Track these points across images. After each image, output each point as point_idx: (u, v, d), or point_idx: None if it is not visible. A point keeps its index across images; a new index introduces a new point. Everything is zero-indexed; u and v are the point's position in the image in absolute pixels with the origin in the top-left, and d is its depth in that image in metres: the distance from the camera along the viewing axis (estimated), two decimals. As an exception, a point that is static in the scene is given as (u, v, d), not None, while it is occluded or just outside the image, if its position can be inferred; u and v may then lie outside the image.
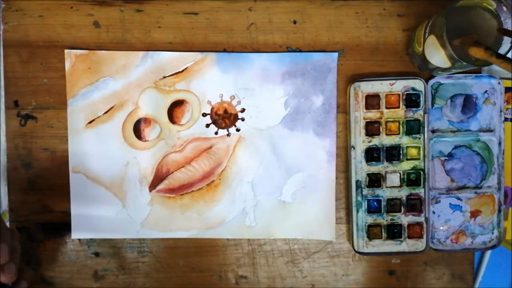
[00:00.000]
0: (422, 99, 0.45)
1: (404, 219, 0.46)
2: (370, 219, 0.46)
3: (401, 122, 0.46)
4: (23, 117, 0.47)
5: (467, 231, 0.47)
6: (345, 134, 0.47)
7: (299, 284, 0.48)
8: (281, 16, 0.47)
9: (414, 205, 0.46)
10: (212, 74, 0.47)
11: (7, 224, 0.48)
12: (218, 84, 0.47)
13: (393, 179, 0.46)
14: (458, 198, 0.47)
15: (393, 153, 0.46)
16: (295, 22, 0.47)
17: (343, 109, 0.47)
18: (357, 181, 0.46)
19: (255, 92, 0.47)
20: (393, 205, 0.46)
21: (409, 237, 0.46)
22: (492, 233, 0.47)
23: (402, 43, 0.47)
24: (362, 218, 0.46)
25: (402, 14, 0.47)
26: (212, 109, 0.47)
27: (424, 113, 0.46)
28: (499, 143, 0.46)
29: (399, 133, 0.46)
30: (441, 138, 0.46)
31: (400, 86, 0.46)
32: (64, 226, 0.48)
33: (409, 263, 0.48)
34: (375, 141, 0.46)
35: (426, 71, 0.46)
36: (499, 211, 0.46)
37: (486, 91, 0.46)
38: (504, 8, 0.38)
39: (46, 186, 0.48)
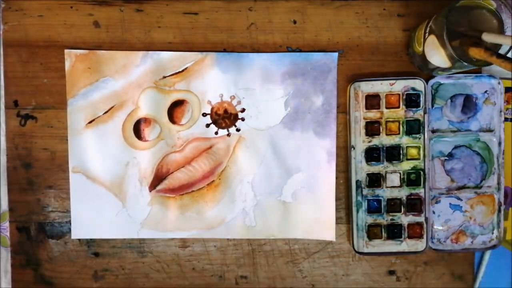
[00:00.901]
0: (422, 99, 0.45)
1: (404, 219, 0.46)
2: (370, 219, 0.46)
3: (401, 122, 0.46)
4: (23, 117, 0.47)
5: (467, 231, 0.47)
6: (345, 134, 0.47)
7: (299, 284, 0.48)
8: (281, 16, 0.47)
9: (414, 205, 0.46)
10: (212, 74, 0.46)
11: (7, 224, 0.48)
12: (218, 84, 0.47)
13: (393, 179, 0.46)
14: (458, 198, 0.47)
15: (393, 153, 0.46)
16: (295, 22, 0.47)
17: (343, 109, 0.47)
18: (357, 181, 0.46)
19: (255, 92, 0.47)
20: (393, 205, 0.46)
21: (409, 237, 0.46)
22: (492, 233, 0.47)
23: (402, 43, 0.47)
24: (362, 218, 0.46)
25: (402, 14, 0.47)
26: (212, 109, 0.47)
27: (424, 113, 0.46)
28: (499, 143, 0.46)
29: (399, 133, 0.46)
30: (441, 138, 0.46)
31: (400, 86, 0.46)
32: (64, 226, 0.48)
33: (409, 263, 0.48)
34: (375, 141, 0.46)
35: (426, 71, 0.46)
36: (499, 211, 0.47)
37: (486, 91, 0.46)
38: (504, 8, 0.38)
39: (46, 186, 0.48)
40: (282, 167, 0.47)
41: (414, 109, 0.46)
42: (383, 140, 0.46)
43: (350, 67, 0.47)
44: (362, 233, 0.46)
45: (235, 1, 0.47)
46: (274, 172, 0.47)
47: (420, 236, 0.46)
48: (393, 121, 0.46)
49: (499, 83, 0.46)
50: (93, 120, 0.47)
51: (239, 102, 0.47)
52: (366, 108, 0.46)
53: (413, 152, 0.46)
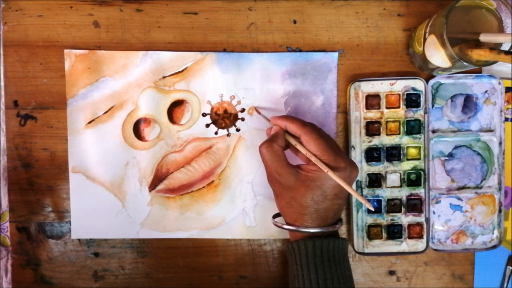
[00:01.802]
0: (422, 99, 0.45)
1: (404, 219, 0.46)
2: (370, 219, 0.46)
3: (401, 122, 0.46)
4: (23, 117, 0.47)
5: (468, 231, 0.47)
6: (345, 134, 0.47)
7: (299, 284, 0.48)
8: (281, 16, 0.47)
9: (415, 205, 0.46)
10: (212, 74, 0.46)
11: (7, 224, 0.48)
12: (218, 84, 0.47)
13: (393, 179, 0.46)
14: (459, 198, 0.47)
15: (393, 153, 0.46)
16: (295, 22, 0.47)
17: (343, 109, 0.47)
18: (357, 181, 0.46)
19: (255, 92, 0.47)
20: (393, 205, 0.46)
21: (409, 237, 0.46)
22: (493, 233, 0.47)
23: (402, 43, 0.47)
24: (362, 218, 0.46)
25: (402, 14, 0.47)
26: (212, 109, 0.47)
27: (425, 113, 0.46)
28: (500, 143, 0.46)
29: (399, 133, 0.46)
30: (442, 138, 0.46)
31: (400, 86, 0.45)
32: (63, 226, 0.48)
33: (409, 263, 0.48)
34: (375, 141, 0.46)
35: (426, 71, 0.46)
36: (500, 211, 0.46)
37: (486, 91, 0.46)
38: (504, 8, 0.38)
39: (45, 186, 0.47)
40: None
41: (414, 109, 0.46)
42: (383, 140, 0.46)
43: (350, 67, 0.47)
44: (362, 233, 0.46)
45: (235, 1, 0.46)
46: (274, 172, 0.47)
47: (420, 236, 0.46)
48: (393, 121, 0.46)
49: (499, 83, 0.46)
50: (93, 120, 0.47)
51: (239, 102, 0.47)
52: (366, 108, 0.46)
53: (413, 152, 0.46)
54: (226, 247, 0.48)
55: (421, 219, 0.46)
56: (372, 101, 0.46)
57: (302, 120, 0.40)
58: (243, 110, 0.47)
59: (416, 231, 0.46)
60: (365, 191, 0.46)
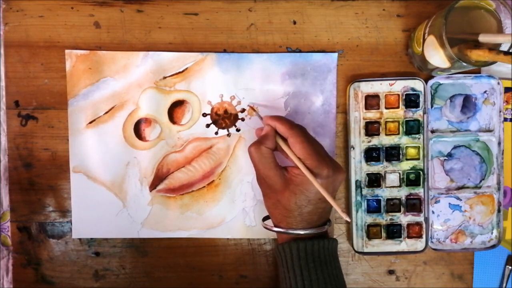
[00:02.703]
0: (421, 99, 0.46)
1: (404, 219, 0.46)
2: (369, 219, 0.47)
3: (400, 122, 0.46)
4: (24, 117, 0.47)
5: (467, 231, 0.47)
6: (345, 134, 0.48)
7: (299, 283, 0.48)
8: (281, 17, 0.47)
9: (414, 205, 0.46)
10: (212, 74, 0.47)
11: (8, 223, 0.48)
12: (218, 84, 0.47)
13: (393, 179, 0.46)
14: (458, 198, 0.47)
15: (393, 153, 0.46)
16: (295, 23, 0.47)
17: (343, 109, 0.47)
18: (356, 181, 0.46)
19: (255, 92, 0.47)
20: (393, 205, 0.46)
21: (409, 237, 0.46)
22: (492, 233, 0.47)
23: (401, 44, 0.47)
24: (361, 217, 0.47)
25: (402, 14, 0.47)
26: (212, 109, 0.47)
27: (424, 113, 0.46)
28: (499, 143, 0.46)
29: (398, 133, 0.46)
30: (441, 138, 0.46)
31: (399, 86, 0.46)
32: (64, 226, 0.48)
33: (408, 262, 0.48)
34: (375, 141, 0.46)
35: (425, 71, 0.46)
36: (499, 211, 0.47)
37: (485, 91, 0.46)
38: (503, 8, 0.38)
39: (46, 186, 0.48)
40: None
41: (413, 109, 0.46)
42: (383, 140, 0.46)
43: (350, 67, 0.47)
44: (362, 232, 0.47)
45: (235, 1, 0.47)
46: (274, 172, 0.47)
47: (419, 236, 0.46)
48: (392, 121, 0.46)
49: (498, 83, 0.46)
50: (93, 120, 0.47)
51: (239, 102, 0.47)
52: (366, 108, 0.46)
53: (412, 152, 0.46)
54: (226, 246, 0.48)
55: (420, 218, 0.46)
56: (372, 101, 0.46)
57: (291, 122, 0.40)
58: (243, 111, 0.47)
59: (415, 230, 0.46)
60: (365, 190, 0.46)
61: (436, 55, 0.40)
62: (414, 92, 0.46)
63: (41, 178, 0.48)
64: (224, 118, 0.47)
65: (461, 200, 0.47)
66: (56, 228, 0.48)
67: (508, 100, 0.47)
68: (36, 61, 0.47)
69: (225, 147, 0.47)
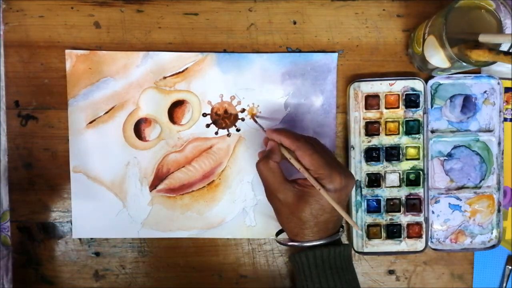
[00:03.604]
0: (421, 99, 0.46)
1: (404, 219, 0.46)
2: (369, 219, 0.47)
3: (400, 122, 0.46)
4: (24, 117, 0.47)
5: (467, 231, 0.47)
6: (345, 134, 0.48)
7: (299, 283, 0.49)
8: (281, 17, 0.47)
9: (414, 205, 0.46)
10: (212, 74, 0.47)
11: (8, 223, 0.48)
12: (218, 84, 0.47)
13: (393, 179, 0.46)
14: (458, 198, 0.47)
15: (393, 153, 0.46)
16: (295, 23, 0.47)
17: (343, 109, 0.47)
18: (356, 181, 0.46)
19: (255, 92, 0.47)
20: (393, 205, 0.46)
21: (409, 237, 0.46)
22: (492, 233, 0.47)
23: (401, 44, 0.47)
24: (361, 217, 0.47)
25: (402, 14, 0.47)
26: (212, 109, 0.47)
27: (424, 113, 0.46)
28: (499, 143, 0.46)
29: (398, 133, 0.46)
30: (441, 138, 0.46)
31: (399, 86, 0.46)
32: (64, 225, 0.48)
33: (408, 262, 0.48)
34: (375, 141, 0.46)
35: (425, 71, 0.46)
36: (498, 211, 0.47)
37: (485, 91, 0.46)
38: (503, 8, 0.38)
39: (46, 186, 0.48)
40: (282, 167, 0.47)
41: (413, 109, 0.46)
42: (383, 140, 0.46)
43: (350, 67, 0.47)
44: (362, 232, 0.47)
45: (235, 1, 0.47)
46: (274, 172, 0.47)
47: (419, 236, 0.46)
48: (392, 121, 0.46)
49: (498, 83, 0.46)
50: (93, 120, 0.47)
51: (239, 103, 0.47)
52: (366, 108, 0.46)
53: (412, 152, 0.46)
54: (226, 246, 0.48)
55: (420, 218, 0.46)
56: (372, 101, 0.46)
57: (296, 134, 0.40)
58: (243, 111, 0.47)
59: (415, 230, 0.46)
60: (365, 190, 0.46)
61: (436, 55, 0.40)
62: (414, 92, 0.46)
63: (41, 178, 0.48)
64: (224, 118, 0.47)
65: (461, 200, 0.47)
66: (56, 228, 0.48)
67: (508, 100, 0.47)
68: (36, 61, 0.47)
69: (225, 147, 0.47)
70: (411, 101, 0.46)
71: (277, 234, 0.45)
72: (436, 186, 0.47)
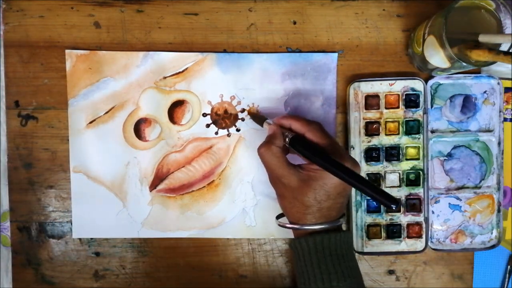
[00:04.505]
0: (421, 99, 0.46)
1: (404, 219, 0.46)
2: (369, 219, 0.47)
3: (400, 122, 0.46)
4: (24, 117, 0.47)
5: (467, 231, 0.47)
6: (345, 134, 0.48)
7: (299, 283, 0.49)
8: (281, 17, 0.47)
9: (414, 205, 0.46)
10: (212, 74, 0.47)
11: (8, 223, 0.48)
12: (218, 84, 0.47)
13: (393, 179, 0.46)
14: (458, 198, 0.47)
15: (393, 153, 0.46)
16: (295, 23, 0.47)
17: (343, 109, 0.47)
18: (356, 181, 0.46)
19: (255, 92, 0.47)
20: (393, 205, 0.46)
21: (409, 236, 0.46)
22: (491, 233, 0.47)
23: (401, 44, 0.47)
24: (361, 217, 0.47)
25: (402, 14, 0.47)
26: (212, 109, 0.47)
27: (424, 113, 0.46)
28: (499, 143, 0.46)
29: (398, 133, 0.46)
30: (441, 138, 0.47)
31: (399, 86, 0.46)
32: (64, 225, 0.48)
33: (408, 262, 0.48)
34: (375, 141, 0.46)
35: (425, 71, 0.46)
36: (498, 211, 0.47)
37: (485, 91, 0.46)
38: (503, 8, 0.39)
39: (46, 186, 0.48)
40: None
41: (413, 109, 0.46)
42: (383, 140, 0.46)
43: (350, 67, 0.47)
44: (362, 232, 0.47)
45: (235, 1, 0.47)
46: (274, 172, 0.47)
47: (419, 236, 0.46)
48: (392, 121, 0.46)
49: (498, 83, 0.46)
50: (94, 120, 0.47)
51: (239, 103, 0.47)
52: (366, 108, 0.46)
53: (412, 152, 0.46)
54: (226, 246, 0.48)
55: (420, 218, 0.46)
56: (372, 101, 0.46)
57: (306, 119, 0.40)
58: (243, 111, 0.47)
59: (415, 230, 0.46)
60: (365, 191, 0.46)
61: (436, 55, 0.40)
62: (414, 92, 0.46)
63: (41, 178, 0.48)
64: (224, 118, 0.47)
65: (461, 200, 0.47)
66: (56, 228, 0.48)
67: (508, 100, 0.47)
68: (36, 61, 0.47)
69: (225, 147, 0.47)
70: (411, 101, 0.46)
71: (278, 217, 0.44)
72: (436, 186, 0.47)
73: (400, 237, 0.46)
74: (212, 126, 0.47)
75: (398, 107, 0.46)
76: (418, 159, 0.46)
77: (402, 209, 0.46)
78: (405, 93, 0.46)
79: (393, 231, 0.46)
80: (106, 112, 0.47)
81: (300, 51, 0.47)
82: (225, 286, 0.48)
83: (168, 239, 0.48)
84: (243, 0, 0.47)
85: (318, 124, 0.40)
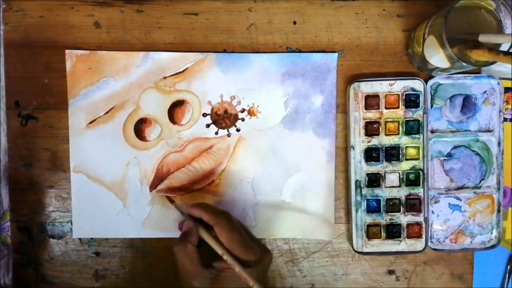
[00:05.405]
0: (421, 99, 0.46)
1: (403, 219, 0.46)
2: (369, 219, 0.47)
3: (400, 122, 0.46)
4: (24, 117, 0.47)
5: (466, 231, 0.47)
6: (345, 134, 0.48)
7: (299, 283, 0.49)
8: (281, 17, 0.47)
9: (413, 205, 0.46)
10: (212, 74, 0.47)
11: (8, 223, 0.48)
12: (218, 85, 0.47)
13: (392, 179, 0.46)
14: (457, 198, 0.47)
15: (393, 153, 0.46)
16: (295, 23, 0.47)
17: (343, 109, 0.47)
18: (356, 181, 0.46)
19: (255, 92, 0.47)
20: (392, 205, 0.46)
21: (408, 236, 0.46)
22: (491, 233, 0.47)
23: (401, 44, 0.47)
24: (361, 217, 0.47)
25: (402, 14, 0.47)
26: (212, 109, 0.47)
27: (424, 113, 0.46)
28: (498, 143, 0.46)
29: (398, 133, 0.46)
30: (440, 138, 0.47)
31: (399, 86, 0.46)
32: (65, 225, 0.48)
33: (408, 262, 0.48)
34: (375, 141, 0.46)
35: (425, 71, 0.46)
36: (498, 211, 0.47)
37: (485, 91, 0.46)
38: (503, 8, 0.39)
39: (47, 186, 0.48)
40: (282, 167, 0.47)
41: (413, 109, 0.46)
42: (383, 140, 0.46)
43: (350, 67, 0.47)
44: (361, 232, 0.47)
45: (235, 1, 0.47)
46: (274, 172, 0.47)
47: (419, 236, 0.46)
48: (392, 121, 0.46)
49: (498, 83, 0.46)
50: (94, 120, 0.47)
51: (239, 102, 0.47)
52: (366, 108, 0.46)
53: (412, 152, 0.46)
54: (226, 246, 0.48)
55: (420, 218, 0.46)
56: (372, 101, 0.46)
57: (216, 209, 0.40)
58: (243, 111, 0.47)
59: (415, 230, 0.46)
60: (364, 190, 0.46)
61: (436, 55, 0.40)
62: (414, 92, 0.46)
63: (41, 178, 0.48)
64: (224, 118, 0.47)
65: (460, 200, 0.47)
66: (56, 228, 0.48)
67: (508, 100, 0.47)
68: (36, 61, 0.47)
69: (225, 147, 0.47)
70: (411, 101, 0.46)
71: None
72: (436, 186, 0.47)
73: (400, 237, 0.46)
74: (212, 126, 0.47)
75: (398, 107, 0.46)
76: (418, 159, 0.46)
77: (402, 209, 0.46)
78: (405, 93, 0.46)
79: (393, 231, 0.46)
80: (106, 112, 0.47)
81: (300, 51, 0.47)
82: (225, 286, 0.48)
83: (168, 239, 0.48)
84: (243, 0, 0.47)
85: (227, 214, 0.40)
